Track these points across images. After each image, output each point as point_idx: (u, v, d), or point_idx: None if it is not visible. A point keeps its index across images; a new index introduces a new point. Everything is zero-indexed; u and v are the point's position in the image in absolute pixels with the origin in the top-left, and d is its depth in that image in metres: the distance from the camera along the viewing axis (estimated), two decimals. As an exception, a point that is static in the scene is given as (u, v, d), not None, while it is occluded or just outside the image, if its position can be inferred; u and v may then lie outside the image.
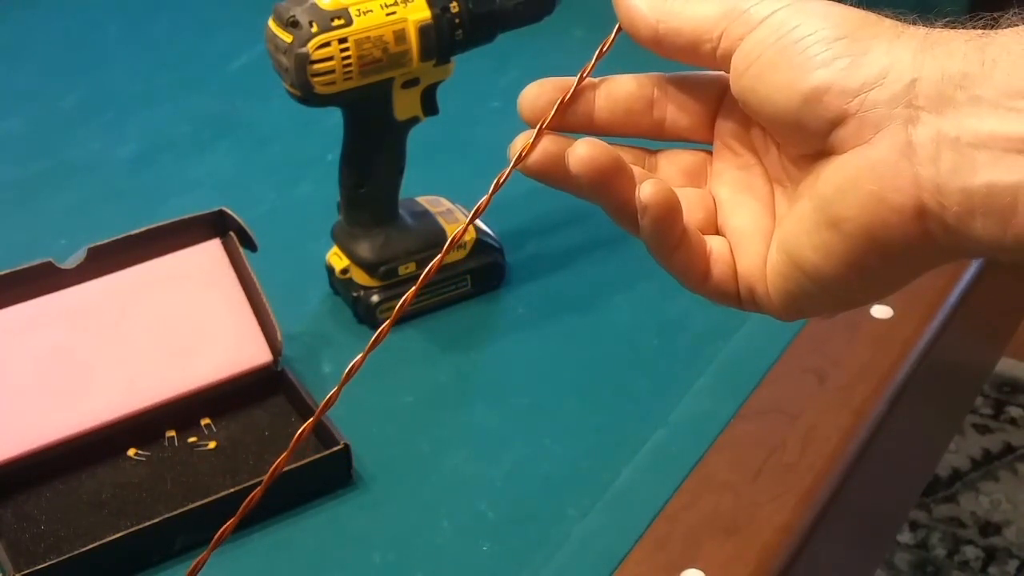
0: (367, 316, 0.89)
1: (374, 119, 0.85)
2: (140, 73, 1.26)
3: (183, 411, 0.80)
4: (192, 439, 0.80)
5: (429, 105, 0.86)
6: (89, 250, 0.82)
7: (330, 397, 0.47)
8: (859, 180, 0.41)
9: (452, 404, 0.86)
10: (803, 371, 0.80)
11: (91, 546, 0.70)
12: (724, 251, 0.47)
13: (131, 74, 1.25)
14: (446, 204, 0.93)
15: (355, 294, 0.89)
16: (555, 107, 0.48)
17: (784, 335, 0.83)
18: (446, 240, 0.90)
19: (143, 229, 0.83)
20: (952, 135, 0.40)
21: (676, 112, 0.49)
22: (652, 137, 0.50)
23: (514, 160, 0.48)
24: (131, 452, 0.79)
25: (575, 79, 0.48)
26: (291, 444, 0.46)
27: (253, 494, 0.47)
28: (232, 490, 0.74)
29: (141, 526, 0.72)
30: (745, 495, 0.72)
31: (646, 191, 0.44)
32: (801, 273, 0.44)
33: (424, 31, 0.81)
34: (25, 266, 0.80)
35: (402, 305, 0.48)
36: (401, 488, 0.78)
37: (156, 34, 1.33)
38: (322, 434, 0.78)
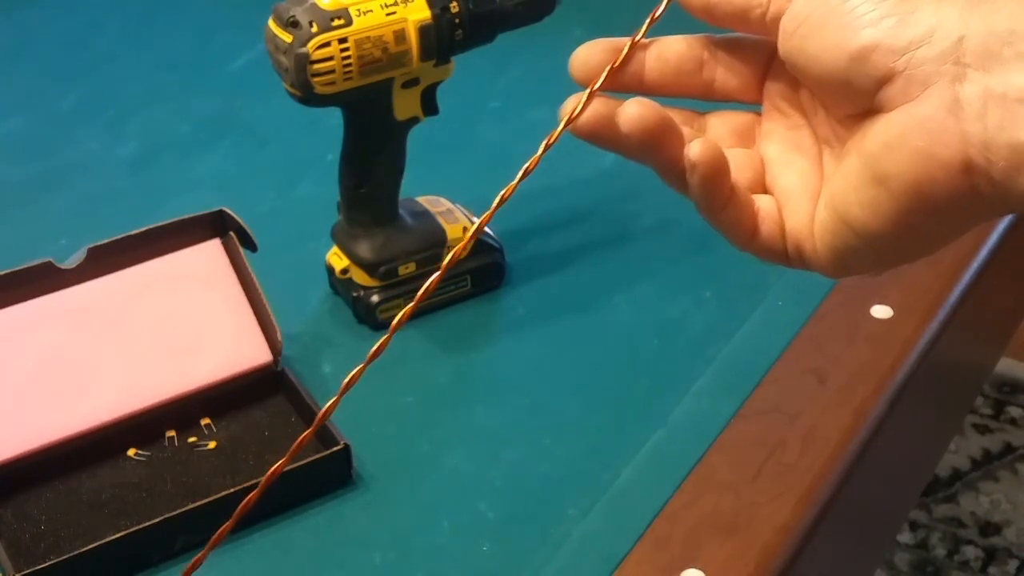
0: (367, 316, 0.89)
1: (374, 119, 0.85)
2: (140, 73, 1.26)
3: (183, 411, 0.80)
4: (192, 439, 0.80)
5: (429, 105, 0.86)
6: (89, 250, 0.82)
7: (329, 407, 0.48)
8: (907, 137, 0.42)
9: (452, 404, 0.86)
10: (803, 371, 0.80)
11: (91, 546, 0.71)
12: (772, 209, 0.48)
13: (131, 74, 1.25)
14: (446, 204, 0.93)
15: (355, 294, 0.89)
16: (606, 71, 0.49)
17: (784, 335, 0.83)
18: (446, 240, 0.91)
19: (143, 229, 0.83)
20: (999, 91, 0.41)
21: (725, 73, 0.50)
22: (701, 97, 0.51)
23: (564, 121, 0.49)
24: (131, 452, 0.79)
25: (627, 40, 0.49)
26: (291, 448, 0.47)
27: (249, 497, 0.47)
28: (232, 490, 0.74)
29: (141, 526, 0.72)
30: (745, 495, 0.72)
31: (695, 150, 0.45)
32: (849, 230, 0.45)
33: (424, 31, 0.81)
34: (25, 266, 0.80)
35: (402, 317, 0.48)
36: (401, 488, 0.78)
37: (156, 34, 1.33)
38: (322, 434, 0.78)
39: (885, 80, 0.43)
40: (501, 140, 1.11)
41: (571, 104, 0.49)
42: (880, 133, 0.43)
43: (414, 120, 0.86)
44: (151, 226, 0.83)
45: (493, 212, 0.49)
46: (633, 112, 0.46)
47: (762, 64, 0.50)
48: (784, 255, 0.48)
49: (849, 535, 0.84)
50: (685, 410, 0.79)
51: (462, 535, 0.74)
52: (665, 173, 0.48)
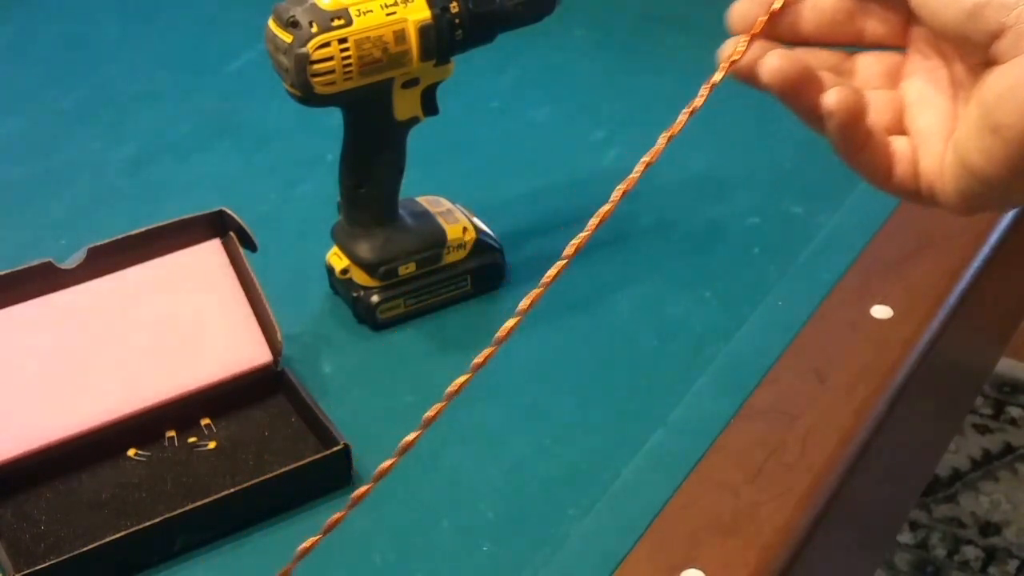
0: (367, 316, 0.89)
1: (374, 119, 0.85)
2: (140, 73, 1.25)
3: (183, 411, 0.80)
4: (192, 439, 0.80)
5: (429, 105, 0.86)
6: (89, 250, 0.82)
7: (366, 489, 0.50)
8: (1017, 89, 0.45)
9: (452, 404, 0.86)
10: (803, 371, 0.80)
11: (91, 546, 0.71)
12: (907, 151, 0.51)
13: (131, 74, 1.25)
14: (446, 204, 0.93)
15: (355, 294, 0.89)
16: (764, 18, 0.52)
17: (784, 335, 0.83)
18: (446, 240, 0.91)
19: (143, 229, 0.83)
20: None
21: (875, 22, 0.53)
22: (853, 44, 0.54)
23: (726, 64, 0.52)
24: (131, 452, 0.79)
25: None
26: (324, 528, 0.48)
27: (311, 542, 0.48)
28: (232, 490, 0.74)
29: (141, 526, 0.72)
30: (745, 495, 0.72)
31: (830, 99, 0.49)
32: (969, 174, 0.48)
33: (424, 31, 0.81)
34: (25, 266, 0.80)
35: (458, 389, 0.50)
36: (401, 488, 0.78)
37: (156, 34, 1.32)
38: (322, 434, 0.78)
39: (997, 34, 0.46)
40: (501, 140, 1.11)
41: (729, 48, 0.52)
42: (994, 84, 0.46)
43: (414, 120, 0.86)
44: (151, 226, 0.83)
45: (649, 164, 0.51)
46: (774, 64, 0.50)
47: (906, 12, 0.52)
48: (917, 194, 0.51)
49: (849, 535, 0.84)
50: (685, 410, 0.79)
51: (462, 535, 0.74)
52: (806, 118, 0.52)
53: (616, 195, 0.51)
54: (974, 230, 0.91)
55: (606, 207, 0.51)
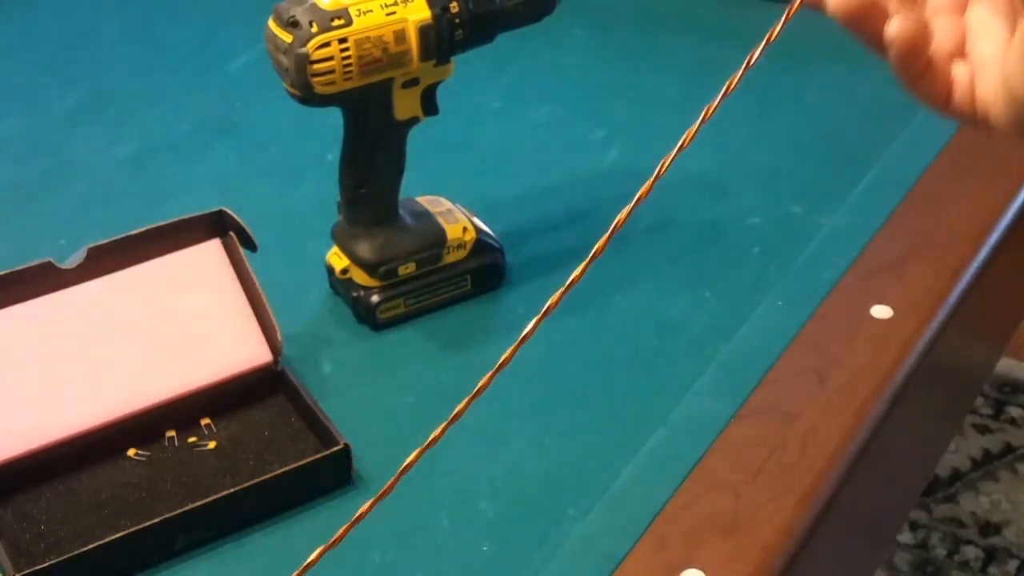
0: (367, 316, 0.89)
1: (374, 119, 0.85)
2: (140, 73, 1.26)
3: (183, 411, 0.80)
4: (192, 439, 0.80)
5: (429, 105, 0.86)
6: (89, 250, 0.82)
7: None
8: None
9: (452, 404, 0.86)
10: (803, 371, 0.80)
11: (91, 546, 0.71)
12: (965, 78, 0.53)
13: (131, 74, 1.25)
14: (446, 204, 0.93)
15: (355, 294, 0.89)
16: None
17: (784, 335, 0.83)
18: (446, 240, 0.91)
19: (143, 229, 0.83)
20: None
21: None
22: None
23: None
24: (131, 452, 0.79)
25: None
26: (335, 538, 0.48)
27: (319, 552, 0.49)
28: (232, 490, 0.74)
29: (141, 526, 0.72)
30: (745, 495, 0.72)
31: (892, 29, 0.51)
32: (1017, 101, 0.50)
33: (424, 31, 0.81)
34: (25, 266, 0.80)
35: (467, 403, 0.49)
36: (401, 488, 0.78)
37: (156, 34, 1.33)
38: (322, 434, 0.78)
39: None
40: (501, 140, 1.11)
41: None
42: None
43: (414, 120, 0.86)
44: (151, 226, 0.83)
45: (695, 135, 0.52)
46: None
47: None
48: (974, 119, 0.53)
49: (849, 535, 0.84)
50: (685, 410, 0.79)
51: (462, 535, 0.74)
52: (870, 46, 0.53)
53: (675, 149, 0.53)
54: (974, 230, 0.91)
55: (667, 158, 0.53)
